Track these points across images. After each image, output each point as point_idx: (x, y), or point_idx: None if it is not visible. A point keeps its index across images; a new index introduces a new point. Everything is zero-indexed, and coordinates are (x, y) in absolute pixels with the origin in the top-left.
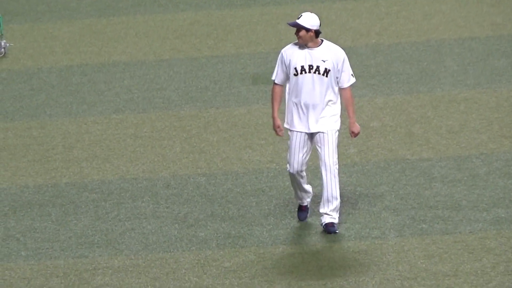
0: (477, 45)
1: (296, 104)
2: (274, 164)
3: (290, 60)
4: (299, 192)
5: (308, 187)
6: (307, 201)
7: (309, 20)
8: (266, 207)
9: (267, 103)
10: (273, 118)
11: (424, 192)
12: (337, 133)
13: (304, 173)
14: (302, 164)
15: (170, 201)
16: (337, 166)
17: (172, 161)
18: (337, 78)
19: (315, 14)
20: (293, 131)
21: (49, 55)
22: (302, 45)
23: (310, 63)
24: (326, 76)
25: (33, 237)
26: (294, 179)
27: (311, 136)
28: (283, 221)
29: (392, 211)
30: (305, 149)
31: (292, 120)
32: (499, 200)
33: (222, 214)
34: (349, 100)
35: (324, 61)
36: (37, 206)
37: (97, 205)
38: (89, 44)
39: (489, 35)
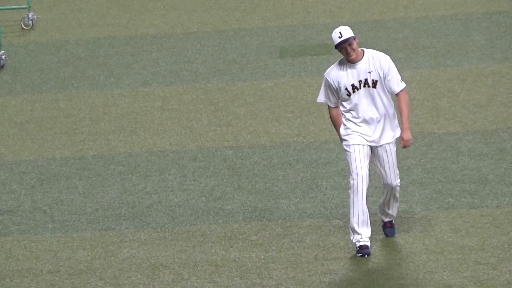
0: (505, 19)
1: (354, 121)
2: (301, 137)
3: (339, 82)
4: (362, 216)
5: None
6: (368, 236)
7: (347, 30)
8: (293, 180)
9: (294, 76)
10: (342, 141)
11: (451, 166)
12: (395, 143)
13: (366, 190)
14: (367, 172)
15: (197, 174)
16: (399, 182)
17: (199, 134)
18: (385, 84)
19: None
20: (353, 144)
21: (77, 27)
22: (344, 63)
23: (359, 79)
24: (375, 87)
25: (60, 209)
26: (359, 194)
27: (370, 148)
28: (309, 195)
29: (419, 185)
30: (368, 157)
31: (350, 135)
32: None
33: (249, 187)
34: (403, 105)
35: (369, 73)
36: (64, 178)
37: (124, 177)
38: (117, 16)
39: None
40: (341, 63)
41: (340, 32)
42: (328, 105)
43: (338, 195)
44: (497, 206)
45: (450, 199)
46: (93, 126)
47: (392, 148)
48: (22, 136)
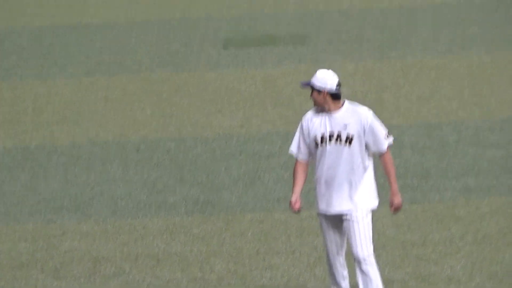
0: (449, 11)
1: (320, 180)
2: (244, 129)
3: (309, 129)
4: (336, 276)
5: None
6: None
7: (322, 78)
8: (235, 173)
9: (238, 68)
10: (293, 192)
11: (394, 160)
12: (370, 214)
13: (344, 262)
14: (341, 246)
15: (139, 166)
16: (372, 256)
17: (142, 125)
18: (366, 144)
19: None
20: (321, 213)
21: (20, 16)
22: (322, 109)
23: (330, 130)
24: (349, 144)
25: (2, 200)
26: (335, 268)
27: (340, 218)
28: (252, 187)
29: None
30: (340, 229)
31: (318, 200)
32: (468, 168)
33: (191, 179)
34: (389, 166)
35: (345, 126)
36: (6, 169)
37: (67, 169)
38: (60, 4)
39: (461, 1)
40: (319, 109)
41: (316, 73)
42: (296, 158)
43: (280, 189)
44: (439, 201)
45: None
46: (36, 116)
47: (364, 218)
48: None
